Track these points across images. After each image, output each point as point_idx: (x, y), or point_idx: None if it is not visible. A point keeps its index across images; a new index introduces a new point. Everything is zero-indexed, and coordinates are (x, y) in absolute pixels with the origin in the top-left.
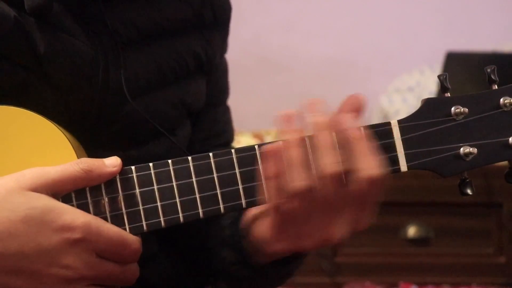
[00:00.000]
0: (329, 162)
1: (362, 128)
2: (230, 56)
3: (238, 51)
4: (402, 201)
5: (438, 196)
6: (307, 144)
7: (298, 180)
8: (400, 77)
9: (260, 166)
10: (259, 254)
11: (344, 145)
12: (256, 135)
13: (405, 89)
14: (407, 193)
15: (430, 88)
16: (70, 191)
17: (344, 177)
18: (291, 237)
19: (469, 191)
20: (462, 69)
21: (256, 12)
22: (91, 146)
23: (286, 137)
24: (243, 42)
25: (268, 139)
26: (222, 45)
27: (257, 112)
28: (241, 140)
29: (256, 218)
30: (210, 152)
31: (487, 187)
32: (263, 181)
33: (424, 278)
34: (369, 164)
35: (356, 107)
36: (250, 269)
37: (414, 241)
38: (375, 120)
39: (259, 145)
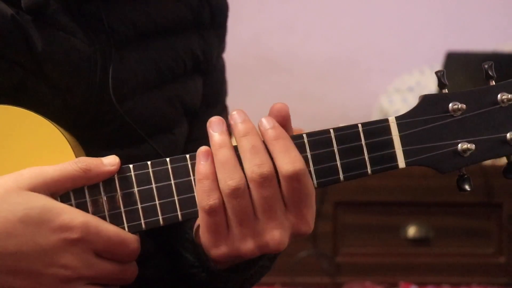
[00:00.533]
0: (253, 165)
1: (278, 128)
2: (230, 56)
3: (238, 51)
4: (402, 201)
5: (438, 196)
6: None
7: (229, 179)
8: (400, 77)
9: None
10: (209, 258)
11: (266, 141)
12: None
13: (405, 89)
14: (407, 193)
15: (430, 88)
16: (68, 190)
17: (271, 178)
18: (225, 242)
19: (467, 187)
20: (462, 69)
21: (256, 12)
22: (89, 145)
23: (216, 139)
24: (243, 42)
25: None
26: (220, 45)
27: (257, 112)
28: None
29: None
30: None
31: (487, 187)
32: (195, 182)
33: (424, 278)
34: (287, 160)
35: (282, 113)
36: (208, 273)
37: (414, 241)
38: None
39: None
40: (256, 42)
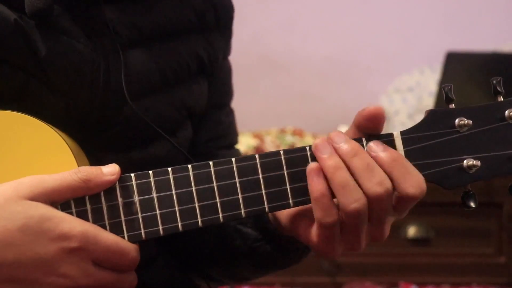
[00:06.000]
0: (374, 183)
1: (392, 151)
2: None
3: (238, 51)
4: None
5: (438, 196)
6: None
7: (353, 202)
8: (400, 77)
9: (309, 182)
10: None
11: (381, 165)
12: (256, 135)
13: (405, 89)
14: None
15: (430, 88)
16: (68, 200)
17: (391, 193)
18: (341, 246)
19: (472, 204)
20: (462, 69)
21: (256, 12)
22: (92, 149)
23: (329, 163)
24: (243, 42)
25: (268, 139)
26: (225, 47)
27: (257, 112)
28: (241, 140)
29: (294, 221)
30: (213, 154)
31: (487, 187)
32: (312, 200)
33: (424, 278)
34: (410, 183)
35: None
36: (272, 245)
37: (414, 241)
38: None
39: (260, 155)
40: (256, 42)
